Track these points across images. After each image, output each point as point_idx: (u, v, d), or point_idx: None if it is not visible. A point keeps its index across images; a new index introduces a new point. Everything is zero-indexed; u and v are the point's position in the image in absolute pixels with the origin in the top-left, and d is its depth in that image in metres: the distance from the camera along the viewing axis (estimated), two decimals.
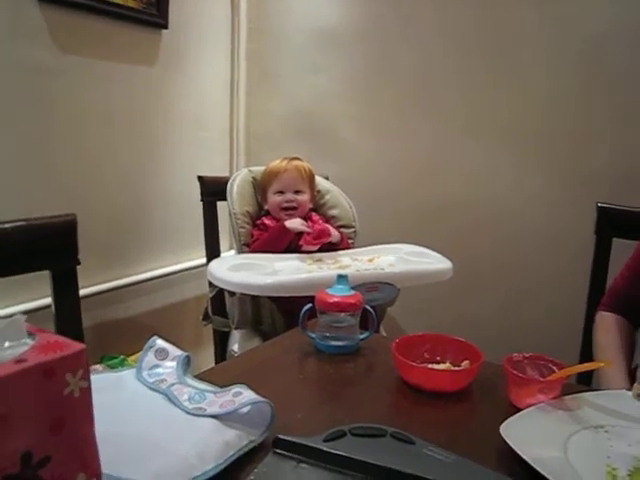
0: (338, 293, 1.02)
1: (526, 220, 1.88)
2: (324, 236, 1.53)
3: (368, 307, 1.04)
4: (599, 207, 1.39)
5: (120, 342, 1.81)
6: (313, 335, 1.04)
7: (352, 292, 1.03)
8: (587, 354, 1.38)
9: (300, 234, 1.55)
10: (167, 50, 1.96)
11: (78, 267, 1.59)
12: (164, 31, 1.93)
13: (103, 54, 1.76)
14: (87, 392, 0.47)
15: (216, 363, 1.78)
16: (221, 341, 1.76)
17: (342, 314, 1.01)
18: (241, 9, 2.24)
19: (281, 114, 2.27)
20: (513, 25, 1.83)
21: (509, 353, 0.88)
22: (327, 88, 2.16)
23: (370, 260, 1.57)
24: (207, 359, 1.84)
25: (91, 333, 1.77)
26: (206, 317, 1.64)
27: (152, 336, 0.88)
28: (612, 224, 1.38)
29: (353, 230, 1.78)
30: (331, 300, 1.01)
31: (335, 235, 1.61)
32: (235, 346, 1.62)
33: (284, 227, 1.55)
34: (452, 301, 1.92)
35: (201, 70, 2.13)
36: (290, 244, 1.56)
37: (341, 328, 1.02)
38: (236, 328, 1.51)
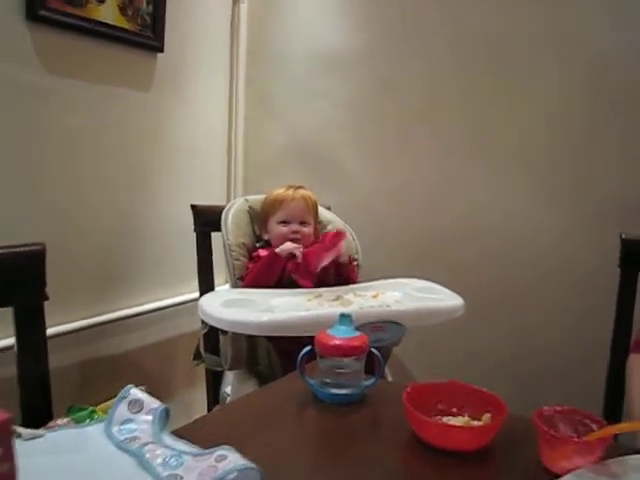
0: (340, 335, 0.90)
1: (537, 248, 1.77)
2: (330, 250, 1.42)
3: (374, 350, 0.92)
4: (623, 239, 1.28)
5: (106, 382, 1.72)
6: (312, 382, 0.92)
7: (356, 333, 0.92)
8: (613, 402, 1.26)
9: (297, 265, 1.44)
10: (162, 74, 1.89)
11: (64, 300, 1.49)
12: (159, 54, 1.86)
13: (95, 77, 1.68)
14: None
15: (208, 406, 1.65)
16: (214, 381, 1.64)
17: (345, 359, 0.89)
18: (240, 32, 2.17)
19: (280, 141, 2.19)
20: (522, 44, 1.75)
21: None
22: (328, 114, 2.09)
23: (374, 296, 1.45)
24: (201, 400, 1.71)
25: (74, 372, 1.67)
26: (197, 356, 1.52)
27: (127, 385, 0.76)
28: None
29: (356, 263, 1.67)
30: (332, 343, 0.89)
31: (343, 254, 1.51)
32: (228, 388, 1.49)
33: (274, 253, 1.46)
34: (461, 337, 1.79)
35: (198, 95, 2.06)
36: (284, 276, 1.45)
37: (344, 374, 0.90)
38: (229, 369, 1.38)
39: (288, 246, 1.46)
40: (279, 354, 1.37)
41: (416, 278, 1.58)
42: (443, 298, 1.36)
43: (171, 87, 1.93)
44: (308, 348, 0.91)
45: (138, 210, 1.86)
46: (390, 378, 1.50)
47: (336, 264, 1.51)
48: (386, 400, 0.93)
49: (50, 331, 1.55)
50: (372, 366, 0.96)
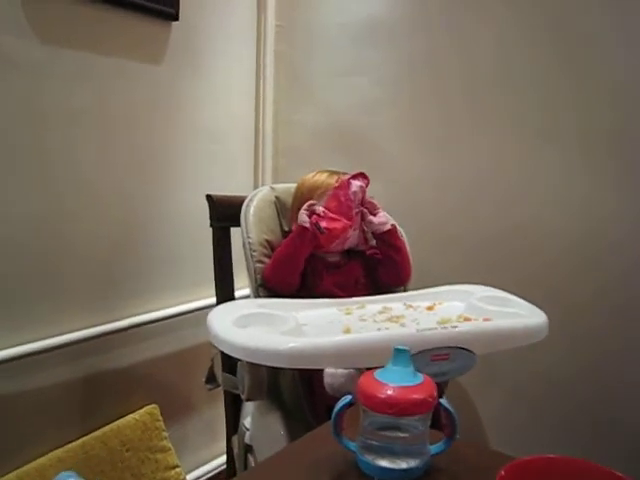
0: (395, 381, 0.61)
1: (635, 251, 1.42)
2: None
3: (444, 403, 0.63)
4: None
5: (116, 399, 1.53)
6: (353, 447, 0.64)
7: (419, 378, 0.62)
8: None
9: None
10: (177, 46, 1.64)
11: (64, 307, 1.36)
12: (174, 23, 1.62)
13: (98, 48, 1.44)
14: None
15: (227, 435, 1.39)
16: (233, 407, 1.37)
17: (403, 419, 0.60)
18: (268, 4, 1.92)
19: (313, 125, 1.93)
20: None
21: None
22: (367, 93, 1.82)
23: (430, 308, 1.16)
24: (222, 424, 1.45)
25: (79, 388, 1.46)
26: (211, 379, 1.25)
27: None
28: None
29: None
30: (383, 395, 0.60)
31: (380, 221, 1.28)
32: (247, 420, 1.22)
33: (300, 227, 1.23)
34: (539, 363, 1.47)
35: (219, 71, 1.80)
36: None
37: (400, 438, 0.61)
38: (247, 400, 1.11)
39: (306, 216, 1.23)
40: (301, 381, 1.10)
41: (474, 282, 1.29)
42: (521, 313, 1.06)
43: (187, 61, 1.68)
44: (346, 400, 0.63)
45: (149, 203, 1.62)
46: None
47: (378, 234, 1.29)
48: (463, 474, 0.64)
49: (49, 342, 1.36)
50: (437, 421, 0.66)
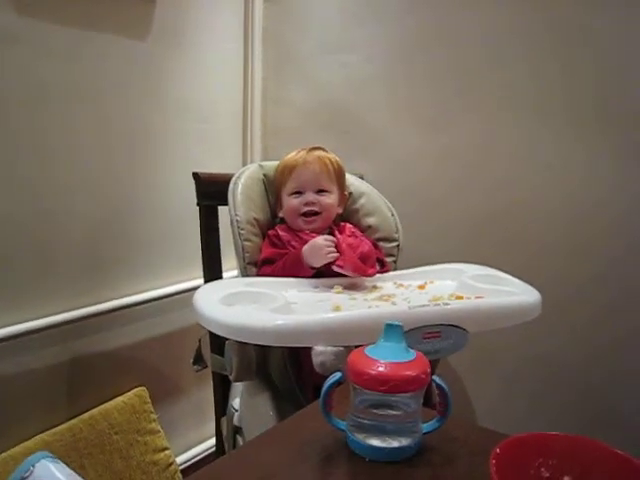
0: (387, 357, 0.59)
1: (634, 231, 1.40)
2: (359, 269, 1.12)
3: (437, 379, 0.61)
4: None
5: (104, 382, 1.50)
6: (344, 426, 0.62)
7: (412, 355, 0.60)
8: None
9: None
10: (161, 21, 1.57)
11: (49, 288, 1.32)
12: None
13: (75, 20, 1.37)
14: None
15: (216, 417, 1.37)
16: (223, 388, 1.35)
17: (395, 396, 0.58)
18: None
19: (303, 103, 1.88)
20: None
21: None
22: (359, 69, 1.77)
23: (421, 287, 1.13)
24: (211, 406, 1.43)
25: (65, 371, 1.43)
26: (198, 360, 1.22)
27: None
28: None
29: (396, 244, 1.34)
30: (375, 371, 0.58)
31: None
32: (236, 401, 1.20)
33: (300, 258, 1.13)
34: (538, 347, 1.45)
35: (205, 48, 1.74)
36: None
37: (392, 416, 0.59)
38: (235, 380, 1.08)
39: (322, 257, 1.12)
40: (295, 360, 1.07)
41: (470, 263, 1.26)
42: (514, 291, 1.03)
43: (172, 37, 1.62)
44: (336, 377, 0.60)
45: (136, 183, 1.57)
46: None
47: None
48: (457, 453, 0.62)
49: (33, 324, 1.32)
50: (427, 398, 0.64)
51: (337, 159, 1.31)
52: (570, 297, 1.41)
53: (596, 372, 1.42)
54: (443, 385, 0.61)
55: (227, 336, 0.89)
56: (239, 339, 0.90)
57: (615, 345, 1.39)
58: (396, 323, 0.61)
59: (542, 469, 0.55)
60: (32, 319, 1.34)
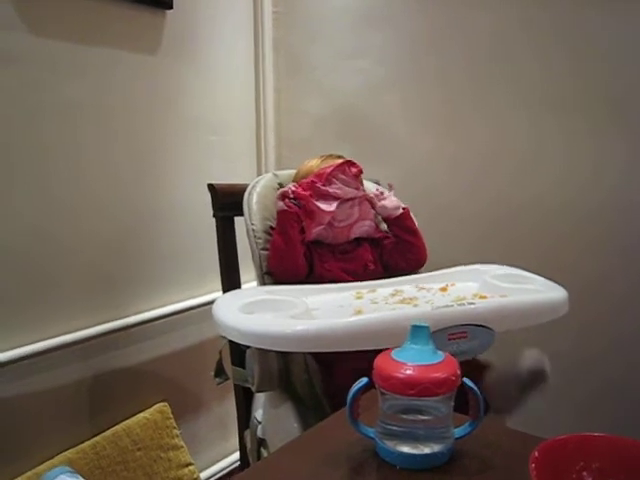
0: (415, 360, 0.57)
1: None
2: None
3: (468, 382, 0.59)
4: None
5: (124, 399, 1.49)
6: (372, 433, 0.59)
7: (440, 356, 0.58)
8: None
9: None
10: (172, 35, 1.59)
11: (66, 306, 1.33)
12: (169, 12, 1.57)
13: (90, 39, 1.39)
14: None
15: (239, 430, 1.34)
16: (245, 400, 1.33)
17: (425, 400, 0.56)
18: None
19: (317, 111, 1.88)
20: None
21: None
22: (369, 76, 1.77)
23: (443, 289, 1.11)
24: (233, 419, 1.41)
25: (84, 388, 1.42)
26: (219, 372, 1.21)
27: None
28: None
29: None
30: (402, 374, 0.55)
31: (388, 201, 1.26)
32: (259, 412, 1.18)
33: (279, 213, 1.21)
34: (560, 342, 1.42)
35: (215, 61, 1.74)
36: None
37: (422, 421, 0.57)
38: (257, 391, 1.07)
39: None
40: (319, 367, 1.05)
41: (488, 263, 1.24)
42: (539, 289, 1.01)
43: (182, 51, 1.63)
44: (362, 382, 0.58)
45: (150, 197, 1.57)
46: None
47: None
48: (491, 460, 0.59)
49: (52, 342, 1.32)
50: (460, 402, 0.62)
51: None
52: (590, 289, 1.38)
53: (617, 365, 1.40)
54: (474, 388, 0.59)
55: (248, 344, 0.88)
56: (261, 346, 0.88)
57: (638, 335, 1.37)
58: (423, 324, 0.59)
59: (584, 473, 0.52)
60: (50, 337, 1.33)
